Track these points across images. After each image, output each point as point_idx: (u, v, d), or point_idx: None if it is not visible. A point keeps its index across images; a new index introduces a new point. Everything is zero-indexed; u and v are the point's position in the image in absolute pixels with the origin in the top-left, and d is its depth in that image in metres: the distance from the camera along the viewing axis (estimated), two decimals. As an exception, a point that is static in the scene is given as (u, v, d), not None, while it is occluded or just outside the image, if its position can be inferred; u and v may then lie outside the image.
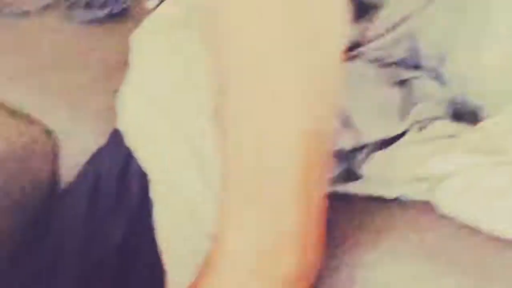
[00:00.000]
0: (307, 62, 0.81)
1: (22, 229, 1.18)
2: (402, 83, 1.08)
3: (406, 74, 1.08)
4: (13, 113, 1.22)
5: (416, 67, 1.09)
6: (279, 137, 0.82)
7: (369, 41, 1.06)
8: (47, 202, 1.20)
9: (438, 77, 1.09)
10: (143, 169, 1.00)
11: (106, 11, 1.43)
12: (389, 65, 1.07)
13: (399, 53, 1.08)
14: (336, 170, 1.01)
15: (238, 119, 0.82)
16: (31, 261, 1.12)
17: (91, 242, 1.06)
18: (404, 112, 1.06)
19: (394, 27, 1.06)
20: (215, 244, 0.85)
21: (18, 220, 1.16)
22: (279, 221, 0.84)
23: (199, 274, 0.88)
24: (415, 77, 1.09)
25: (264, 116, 0.81)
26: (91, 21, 1.40)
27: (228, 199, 0.86)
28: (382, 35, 1.07)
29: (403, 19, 1.07)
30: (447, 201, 0.99)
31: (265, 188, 0.83)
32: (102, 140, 1.13)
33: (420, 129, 1.06)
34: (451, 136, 1.03)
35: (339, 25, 0.81)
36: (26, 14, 1.40)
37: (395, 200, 1.02)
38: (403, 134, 1.05)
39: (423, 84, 1.10)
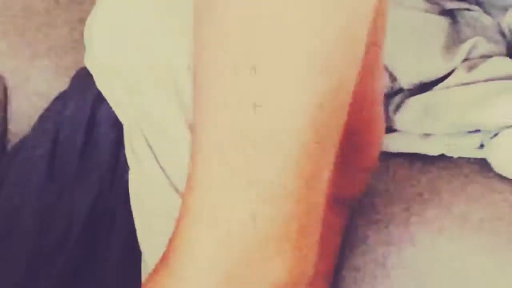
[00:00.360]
0: None
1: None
2: (447, 13, 0.98)
3: (451, 4, 1.00)
4: None
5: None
6: (283, 94, 0.67)
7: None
8: None
9: (490, 12, 1.03)
10: (117, 118, 0.89)
11: None
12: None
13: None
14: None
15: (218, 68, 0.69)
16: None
17: (51, 214, 0.97)
18: (450, 48, 0.96)
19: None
20: (173, 232, 0.70)
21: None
22: (271, 205, 0.68)
23: (153, 271, 0.72)
24: (463, 9, 1.01)
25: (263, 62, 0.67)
26: None
27: (196, 171, 0.70)
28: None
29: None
30: (506, 159, 0.91)
31: (251, 159, 0.68)
32: (62, 84, 1.02)
33: (470, 69, 0.95)
34: (509, 77, 0.94)
35: None
36: None
37: (439, 157, 0.93)
38: (448, 75, 0.95)
39: (473, 16, 1.01)
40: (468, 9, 1.01)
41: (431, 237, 0.86)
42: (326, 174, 0.70)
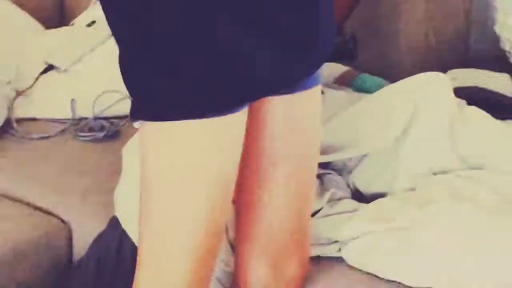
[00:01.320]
0: None
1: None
2: (319, 176, 1.40)
3: (322, 171, 1.41)
4: (38, 208, 1.55)
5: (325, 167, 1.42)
6: None
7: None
8: (64, 276, 1.46)
9: (342, 174, 1.43)
10: (136, 245, 1.12)
11: (103, 133, 1.74)
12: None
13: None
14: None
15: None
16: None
17: None
18: (320, 195, 1.37)
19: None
20: None
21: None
22: None
23: None
24: (328, 172, 1.43)
25: None
26: (93, 140, 1.73)
27: None
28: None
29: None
30: (353, 257, 1.28)
31: None
32: (102, 226, 1.40)
33: (332, 205, 1.35)
34: (354, 210, 1.34)
35: None
36: (47, 137, 1.76)
37: (316, 257, 1.30)
38: (319, 209, 1.33)
39: (332, 177, 1.43)
40: (328, 173, 1.40)
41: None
42: None
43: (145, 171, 1.02)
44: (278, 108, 1.10)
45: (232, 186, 1.06)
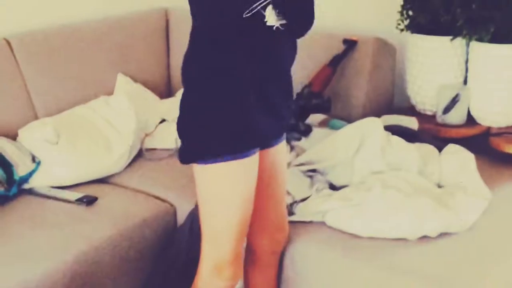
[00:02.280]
0: None
1: (161, 245, 1.52)
2: (310, 176, 1.54)
3: (311, 173, 1.57)
4: (157, 197, 1.58)
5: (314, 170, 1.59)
6: None
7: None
8: (172, 234, 1.53)
9: (323, 175, 1.57)
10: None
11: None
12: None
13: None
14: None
15: None
16: (164, 258, 1.48)
17: (190, 249, 1.40)
18: (310, 187, 1.50)
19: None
20: None
21: (157, 244, 1.51)
22: None
23: None
24: (315, 174, 1.55)
25: None
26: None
27: None
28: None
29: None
30: (331, 221, 1.39)
31: None
32: (192, 207, 1.47)
33: (318, 192, 1.49)
34: (329, 195, 1.47)
35: None
36: (162, 158, 1.71)
37: (310, 222, 1.43)
38: (310, 195, 1.48)
39: (317, 177, 1.54)
40: (315, 174, 1.51)
41: (305, 248, 1.31)
42: None
43: (199, 191, 1.10)
44: (268, 155, 1.19)
45: (253, 196, 1.13)
